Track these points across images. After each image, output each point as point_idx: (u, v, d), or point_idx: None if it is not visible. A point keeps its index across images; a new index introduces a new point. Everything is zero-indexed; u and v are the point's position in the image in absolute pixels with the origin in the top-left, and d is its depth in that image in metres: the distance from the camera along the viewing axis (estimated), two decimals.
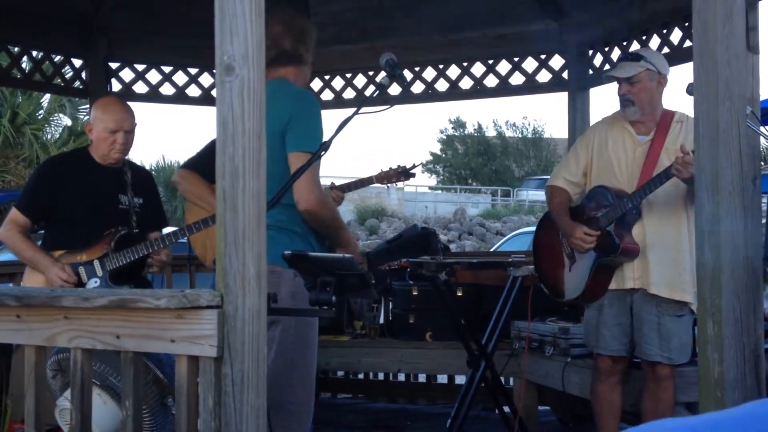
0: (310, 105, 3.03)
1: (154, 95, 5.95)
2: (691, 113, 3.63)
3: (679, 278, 3.52)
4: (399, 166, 4.36)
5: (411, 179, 4.40)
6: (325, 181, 4.17)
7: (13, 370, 3.23)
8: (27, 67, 5.78)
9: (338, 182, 4.33)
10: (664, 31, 4.91)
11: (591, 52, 5.37)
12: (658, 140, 3.61)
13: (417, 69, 5.95)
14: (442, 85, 5.94)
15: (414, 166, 4.37)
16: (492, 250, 14.43)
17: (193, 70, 5.99)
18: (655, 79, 3.63)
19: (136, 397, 2.28)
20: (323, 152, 2.71)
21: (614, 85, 3.74)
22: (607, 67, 5.17)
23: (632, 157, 3.65)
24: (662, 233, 3.56)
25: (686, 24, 4.67)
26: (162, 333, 2.22)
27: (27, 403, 2.44)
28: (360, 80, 6.14)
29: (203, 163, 3.90)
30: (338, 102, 6.19)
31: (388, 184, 4.39)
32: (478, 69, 5.84)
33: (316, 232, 3.03)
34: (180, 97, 6.04)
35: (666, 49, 4.91)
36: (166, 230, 3.93)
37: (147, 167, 16.29)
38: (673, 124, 3.64)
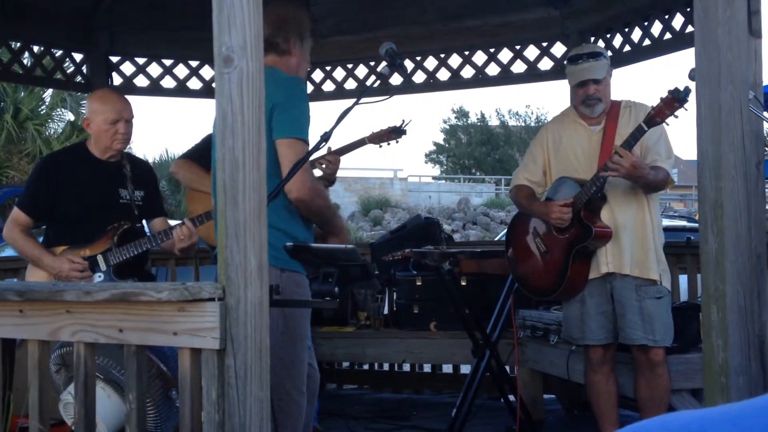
0: (294, 90, 2.95)
1: (155, 89, 5.94)
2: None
3: (645, 257, 3.63)
4: (389, 126, 4.35)
5: (402, 136, 4.36)
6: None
7: (17, 365, 3.23)
8: (28, 62, 5.77)
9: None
10: (666, 16, 4.88)
11: (593, 39, 5.34)
12: (610, 127, 3.72)
13: (418, 58, 5.93)
14: (443, 75, 5.92)
15: (404, 123, 4.35)
16: (496, 239, 14.43)
17: (193, 63, 5.97)
18: (610, 73, 3.79)
19: (139, 391, 2.28)
20: (324, 143, 2.69)
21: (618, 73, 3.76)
22: (609, 53, 5.16)
23: (588, 147, 3.75)
24: (630, 215, 3.65)
25: (688, 9, 4.64)
26: (164, 326, 2.21)
27: (31, 398, 2.44)
28: (361, 71, 6.13)
29: (201, 155, 3.90)
30: (339, 93, 6.18)
31: (381, 144, 4.36)
32: (479, 58, 5.82)
33: (300, 227, 2.98)
34: (181, 90, 6.03)
35: (668, 35, 4.88)
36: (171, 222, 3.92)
37: (150, 161, 16.31)
38: (621, 110, 3.75)
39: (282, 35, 3.04)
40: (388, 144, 4.39)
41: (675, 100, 3.28)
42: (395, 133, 4.32)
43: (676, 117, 3.33)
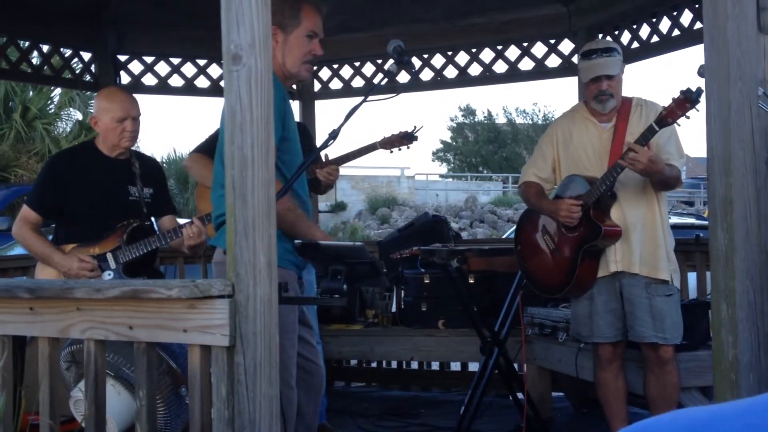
0: None
1: (163, 87, 5.96)
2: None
3: (655, 256, 3.60)
4: (401, 131, 4.33)
5: (414, 142, 4.35)
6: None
7: (28, 363, 3.25)
8: (37, 61, 5.80)
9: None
10: (674, 13, 4.87)
11: (600, 35, 5.33)
12: (621, 125, 3.69)
13: (425, 56, 5.93)
14: (450, 72, 5.93)
15: (416, 129, 4.33)
16: (504, 237, 14.41)
17: (201, 62, 5.99)
18: (623, 69, 3.74)
19: (149, 387, 2.29)
20: (331, 141, 2.69)
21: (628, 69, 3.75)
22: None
23: (599, 144, 3.72)
24: (640, 214, 3.63)
25: (696, 5, 4.63)
26: (174, 323, 2.22)
27: (42, 395, 2.45)
28: (368, 69, 6.13)
29: (213, 148, 3.89)
30: (347, 91, 6.19)
31: (392, 150, 4.35)
32: (486, 55, 5.83)
33: None
34: (189, 89, 6.04)
35: (676, 31, 4.87)
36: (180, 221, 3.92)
37: (158, 160, 16.27)
38: (632, 108, 3.72)
39: None
40: (399, 149, 4.38)
41: (687, 100, 3.24)
42: (407, 138, 4.31)
43: (688, 118, 3.29)
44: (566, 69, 5.60)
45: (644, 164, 3.38)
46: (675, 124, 3.40)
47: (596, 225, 3.59)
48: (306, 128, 5.09)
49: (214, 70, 5.98)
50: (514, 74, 5.83)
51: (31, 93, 17.65)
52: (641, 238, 3.61)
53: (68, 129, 18.43)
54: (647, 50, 5.13)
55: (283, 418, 2.32)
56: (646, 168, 3.41)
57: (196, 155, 4.28)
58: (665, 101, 3.38)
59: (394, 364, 6.06)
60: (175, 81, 5.98)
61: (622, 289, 3.66)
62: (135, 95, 3.87)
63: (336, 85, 6.22)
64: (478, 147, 37.09)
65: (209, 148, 4.20)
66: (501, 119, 37.87)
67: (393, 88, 5.07)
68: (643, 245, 3.61)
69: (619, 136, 3.66)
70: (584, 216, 3.62)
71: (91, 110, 17.67)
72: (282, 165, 2.80)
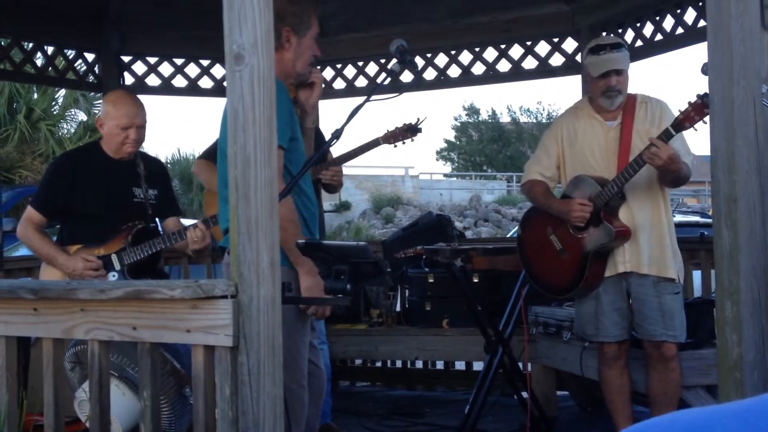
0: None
1: (166, 88, 5.96)
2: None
3: (663, 256, 3.59)
4: (405, 123, 4.27)
5: (418, 134, 4.27)
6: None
7: (32, 364, 3.26)
8: (40, 63, 5.80)
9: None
10: (678, 10, 4.85)
11: (604, 34, 5.32)
12: (627, 123, 3.65)
13: (429, 55, 5.92)
14: (454, 71, 5.92)
15: (419, 121, 4.26)
16: (508, 236, 14.40)
17: (204, 62, 5.99)
18: (628, 65, 3.70)
19: (153, 388, 2.29)
20: (335, 141, 2.69)
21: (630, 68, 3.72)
22: None
23: (605, 144, 3.68)
24: (647, 214, 3.62)
25: (700, 3, 4.61)
26: (178, 323, 2.22)
27: (46, 396, 2.46)
28: (372, 68, 6.12)
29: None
30: (350, 90, 6.18)
31: (396, 144, 4.28)
32: (490, 54, 5.81)
33: None
34: (192, 89, 6.05)
35: (680, 29, 4.86)
36: (185, 222, 3.92)
37: (162, 160, 16.27)
38: (637, 105, 3.69)
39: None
40: (403, 143, 4.29)
41: (704, 105, 3.16)
42: (410, 131, 4.23)
43: (705, 123, 3.23)
44: (570, 67, 5.58)
45: (663, 161, 3.35)
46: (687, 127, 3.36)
47: (607, 227, 3.56)
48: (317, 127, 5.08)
49: (218, 71, 5.98)
50: (517, 73, 5.82)
51: (35, 94, 17.67)
52: (649, 237, 3.60)
53: (72, 130, 18.46)
54: (651, 48, 5.11)
55: (288, 419, 2.32)
56: (664, 165, 3.38)
57: (202, 162, 4.26)
58: (668, 99, 3.37)
59: (398, 364, 6.06)
60: (179, 81, 5.99)
61: (629, 288, 3.64)
62: (139, 96, 3.88)
63: (339, 84, 6.22)
64: (482, 146, 37.07)
65: (215, 154, 4.21)
66: (505, 118, 37.86)
67: (396, 87, 5.07)
68: (651, 245, 3.59)
69: (626, 135, 3.63)
70: (594, 217, 3.59)
71: (96, 111, 17.70)
72: (290, 165, 2.81)
